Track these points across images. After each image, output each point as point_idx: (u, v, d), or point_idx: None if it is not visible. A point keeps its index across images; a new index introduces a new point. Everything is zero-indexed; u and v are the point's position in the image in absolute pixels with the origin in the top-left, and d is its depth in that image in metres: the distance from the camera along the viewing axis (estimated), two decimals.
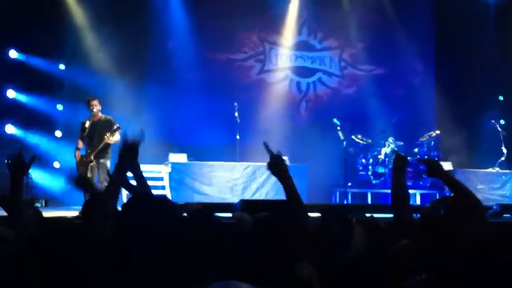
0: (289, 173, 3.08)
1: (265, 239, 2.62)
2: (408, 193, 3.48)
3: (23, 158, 3.14)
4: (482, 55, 12.79)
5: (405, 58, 12.75)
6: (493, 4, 12.95)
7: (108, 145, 8.27)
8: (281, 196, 3.23)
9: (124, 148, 3.04)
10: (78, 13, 10.79)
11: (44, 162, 9.67)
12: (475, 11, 12.70)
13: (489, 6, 12.96)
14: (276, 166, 3.05)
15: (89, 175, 8.11)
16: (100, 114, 8.45)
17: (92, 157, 8.25)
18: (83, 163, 8.28)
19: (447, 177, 3.26)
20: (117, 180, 3.09)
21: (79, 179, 4.35)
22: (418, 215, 3.21)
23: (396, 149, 10.42)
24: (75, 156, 8.44)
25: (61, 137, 10.66)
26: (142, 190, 3.73)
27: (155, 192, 8.53)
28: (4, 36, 10.30)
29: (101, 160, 8.23)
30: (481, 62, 12.80)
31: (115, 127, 8.23)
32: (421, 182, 10.64)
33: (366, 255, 2.90)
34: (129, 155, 3.04)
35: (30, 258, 2.11)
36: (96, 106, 8.42)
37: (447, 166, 10.90)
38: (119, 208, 2.38)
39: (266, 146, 3.08)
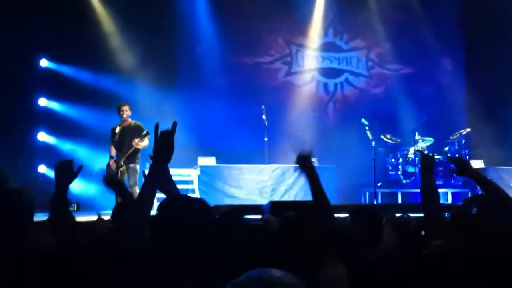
0: (316, 172, 3.09)
1: (291, 238, 2.63)
2: (438, 193, 3.47)
3: (72, 166, 3.12)
4: None
5: (433, 56, 12.62)
6: None
7: (137, 150, 8.39)
8: (310, 197, 3.25)
9: (159, 141, 2.76)
10: (106, 20, 10.98)
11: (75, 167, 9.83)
12: (505, 5, 12.47)
13: None
14: (304, 163, 3.09)
15: None
16: (129, 119, 8.59)
17: (121, 162, 8.38)
18: (113, 168, 8.42)
19: (477, 175, 3.25)
20: (153, 181, 2.89)
21: (112, 179, 4.37)
22: (449, 214, 3.20)
23: (421, 148, 10.30)
24: (109, 164, 8.54)
25: (92, 143, 10.83)
26: (173, 192, 3.75)
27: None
28: (34, 44, 10.54)
29: (131, 165, 8.35)
30: (511, 59, 12.57)
31: (144, 132, 8.34)
32: (452, 181, 10.50)
33: (396, 254, 2.88)
34: (165, 147, 2.77)
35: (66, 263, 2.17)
36: (127, 112, 8.55)
37: (478, 164, 10.75)
38: (154, 211, 2.41)
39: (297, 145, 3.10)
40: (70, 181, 3.12)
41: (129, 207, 3.20)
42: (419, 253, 2.80)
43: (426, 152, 3.61)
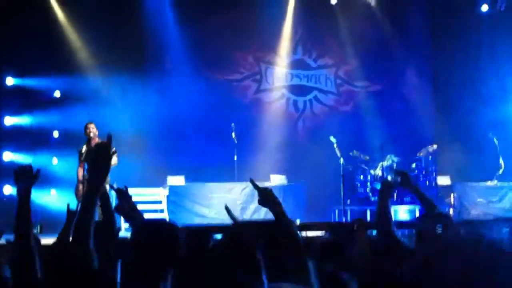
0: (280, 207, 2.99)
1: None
2: (391, 219, 3.47)
3: (32, 171, 2.94)
4: (480, 68, 12.85)
5: (402, 73, 12.81)
6: (486, 15, 13.04)
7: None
8: None
9: (95, 151, 2.71)
10: (72, 35, 10.83)
11: (39, 187, 9.64)
12: (469, 23, 12.78)
13: (482, 17, 13.04)
14: (268, 201, 2.97)
15: None
16: (97, 138, 8.45)
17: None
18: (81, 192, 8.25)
19: (415, 190, 3.52)
20: (91, 197, 2.64)
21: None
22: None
23: (385, 166, 10.44)
24: (77, 188, 8.35)
25: (57, 164, 10.63)
26: (137, 220, 3.69)
27: (154, 215, 8.60)
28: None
29: None
30: (479, 75, 12.86)
31: (112, 150, 8.22)
32: None
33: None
34: (100, 160, 2.67)
35: None
36: (93, 130, 8.44)
37: (445, 180, 10.93)
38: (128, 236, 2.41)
39: (253, 183, 3.01)
40: (31, 185, 3.00)
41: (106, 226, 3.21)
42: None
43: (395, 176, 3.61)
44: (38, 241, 3.94)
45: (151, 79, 11.59)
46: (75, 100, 10.67)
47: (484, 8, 12.95)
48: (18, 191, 2.92)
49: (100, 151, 2.65)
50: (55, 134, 10.80)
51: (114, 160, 8.18)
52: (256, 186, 2.94)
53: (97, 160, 2.64)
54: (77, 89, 10.77)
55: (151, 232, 2.38)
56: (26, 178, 2.96)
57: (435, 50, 13.06)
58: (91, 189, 2.60)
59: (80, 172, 8.40)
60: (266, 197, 2.95)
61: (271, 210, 2.94)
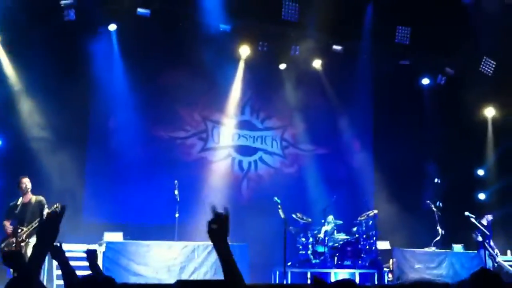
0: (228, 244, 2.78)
1: None
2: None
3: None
4: (419, 138, 13.36)
5: (345, 139, 13.17)
6: (426, 88, 13.69)
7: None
8: (220, 276, 3.04)
9: (45, 221, 2.88)
10: (16, 84, 10.60)
11: None
12: (411, 94, 13.40)
13: (423, 90, 13.68)
14: (218, 227, 2.74)
15: None
16: (30, 194, 8.21)
17: (24, 237, 7.94)
18: (15, 236, 7.92)
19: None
20: (40, 256, 2.86)
21: (11, 255, 4.26)
22: None
23: (335, 230, 10.56)
24: (6, 241, 8.02)
25: None
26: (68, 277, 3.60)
27: (86, 273, 8.26)
28: None
29: (31, 239, 7.91)
30: (418, 145, 13.35)
31: (54, 206, 8.00)
32: (360, 261, 10.67)
33: None
34: (50, 228, 2.84)
35: None
36: (27, 184, 8.22)
37: (385, 245, 11.08)
38: None
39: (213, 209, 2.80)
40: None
41: (24, 282, 3.11)
42: None
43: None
44: None
45: (94, 134, 11.42)
46: (14, 153, 10.36)
47: (425, 81, 13.62)
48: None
49: (51, 221, 2.82)
50: None
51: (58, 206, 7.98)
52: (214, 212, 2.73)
53: (48, 231, 2.81)
54: (19, 141, 10.46)
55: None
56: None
57: (376, 119, 13.56)
58: (38, 253, 2.78)
59: (7, 226, 8.04)
60: (219, 220, 2.73)
61: (217, 240, 2.68)
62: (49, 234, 2.83)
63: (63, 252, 4.03)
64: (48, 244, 2.89)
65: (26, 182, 8.22)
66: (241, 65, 12.46)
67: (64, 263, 4.01)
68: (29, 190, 8.23)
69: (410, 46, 12.34)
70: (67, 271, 4.00)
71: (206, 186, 11.81)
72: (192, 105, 12.25)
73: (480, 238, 10.84)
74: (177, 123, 12.16)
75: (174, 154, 11.94)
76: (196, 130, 12.35)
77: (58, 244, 3.74)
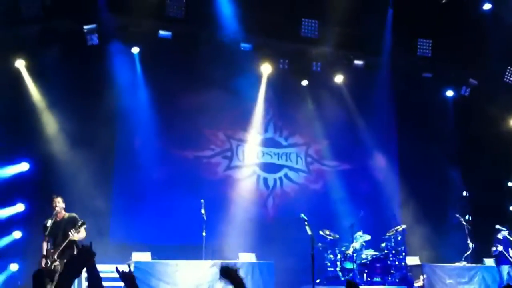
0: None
1: None
2: None
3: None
4: (444, 150, 13.21)
5: (369, 154, 13.10)
6: (450, 100, 13.55)
7: (73, 242, 8.05)
8: None
9: (80, 253, 3.04)
10: (43, 107, 10.81)
11: None
12: (435, 107, 13.28)
13: (447, 102, 13.55)
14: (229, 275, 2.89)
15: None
16: (63, 212, 8.29)
17: (55, 256, 7.98)
18: (46, 258, 7.98)
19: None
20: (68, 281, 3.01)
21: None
22: None
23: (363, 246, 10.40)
24: (40, 264, 8.07)
25: (21, 237, 10.32)
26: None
27: None
28: None
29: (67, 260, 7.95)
30: (444, 157, 13.19)
31: (79, 223, 8.07)
32: (389, 277, 10.51)
33: None
34: (83, 262, 3.10)
35: None
36: (59, 204, 8.28)
37: (414, 260, 10.89)
38: None
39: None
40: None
41: None
42: None
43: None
44: None
45: (120, 155, 11.55)
46: (41, 175, 10.52)
47: (449, 93, 13.50)
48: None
49: (81, 255, 3.13)
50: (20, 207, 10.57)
51: (82, 233, 8.03)
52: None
53: (75, 263, 3.09)
54: (46, 164, 10.63)
55: None
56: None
57: (400, 133, 13.46)
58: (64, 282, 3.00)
59: (45, 246, 8.14)
60: (227, 271, 2.86)
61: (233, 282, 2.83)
62: (77, 268, 2.94)
63: (93, 254, 3.92)
64: (75, 275, 3.02)
65: (58, 201, 8.28)
66: (263, 83, 12.52)
67: (92, 266, 3.90)
68: (62, 209, 8.30)
69: (432, 58, 12.27)
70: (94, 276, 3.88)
71: (232, 204, 11.82)
72: (216, 125, 12.33)
73: (500, 248, 10.53)
74: (202, 143, 12.24)
75: (200, 173, 12.00)
76: (221, 149, 12.41)
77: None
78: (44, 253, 8.07)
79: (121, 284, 9.03)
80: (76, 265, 3.04)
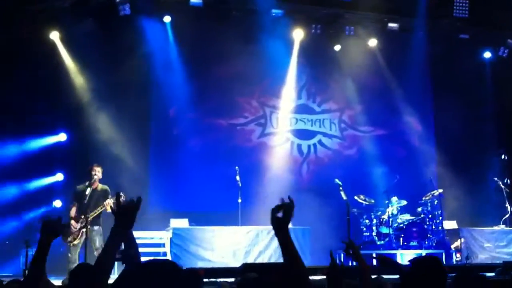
0: (289, 233, 2.87)
1: None
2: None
3: (59, 223, 3.11)
4: (481, 113, 12.96)
5: (404, 119, 12.91)
6: (488, 62, 13.22)
7: (101, 213, 8.23)
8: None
9: (120, 213, 2.88)
10: (80, 81, 10.97)
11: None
12: (471, 70, 12.96)
13: (484, 65, 13.22)
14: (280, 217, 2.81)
15: (76, 241, 8.02)
16: (97, 182, 8.42)
17: (82, 224, 8.14)
18: (77, 221, 8.14)
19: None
20: (113, 248, 2.96)
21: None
22: None
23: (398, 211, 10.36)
24: (68, 225, 8.19)
25: (61, 206, 10.60)
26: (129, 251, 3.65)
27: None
28: None
29: (95, 227, 8.14)
30: (481, 120, 12.95)
31: (120, 194, 8.18)
32: (426, 242, 10.48)
33: None
34: (125, 220, 2.87)
35: None
36: (99, 173, 8.42)
37: (451, 224, 10.82)
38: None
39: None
40: (54, 238, 3.11)
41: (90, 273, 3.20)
42: None
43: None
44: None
45: (156, 125, 11.71)
46: (82, 145, 10.74)
47: (487, 55, 13.15)
48: (41, 240, 3.05)
49: (129, 210, 2.89)
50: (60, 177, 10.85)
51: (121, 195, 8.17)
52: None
53: (123, 216, 2.87)
54: (84, 135, 10.83)
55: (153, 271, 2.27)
56: (52, 231, 3.07)
57: (436, 97, 13.21)
58: (115, 236, 2.83)
59: (74, 210, 8.28)
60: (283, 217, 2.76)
61: (281, 235, 2.74)
62: (126, 221, 2.85)
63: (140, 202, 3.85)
64: (127, 228, 2.94)
65: (98, 170, 8.39)
66: (295, 49, 12.39)
67: (130, 238, 3.91)
68: (99, 179, 8.42)
69: (469, 19, 11.92)
70: (132, 247, 3.89)
71: (266, 171, 11.89)
72: (249, 92, 12.33)
73: None
74: (236, 111, 12.28)
75: (234, 141, 12.07)
76: (255, 116, 12.43)
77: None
78: (72, 215, 8.22)
79: (159, 250, 9.25)
80: (126, 220, 2.95)
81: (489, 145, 12.86)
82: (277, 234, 2.73)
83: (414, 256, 9.68)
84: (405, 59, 12.79)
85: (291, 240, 2.78)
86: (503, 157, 12.49)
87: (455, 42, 12.67)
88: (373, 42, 12.63)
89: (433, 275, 2.98)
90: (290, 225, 8.03)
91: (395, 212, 10.78)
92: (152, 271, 2.17)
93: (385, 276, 5.37)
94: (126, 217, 2.86)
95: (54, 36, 10.77)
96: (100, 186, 8.42)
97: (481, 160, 12.58)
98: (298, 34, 12.21)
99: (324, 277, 6.58)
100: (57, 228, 3.10)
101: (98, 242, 8.01)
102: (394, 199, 10.83)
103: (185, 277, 2.53)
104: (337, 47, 12.61)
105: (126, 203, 2.90)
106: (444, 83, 12.96)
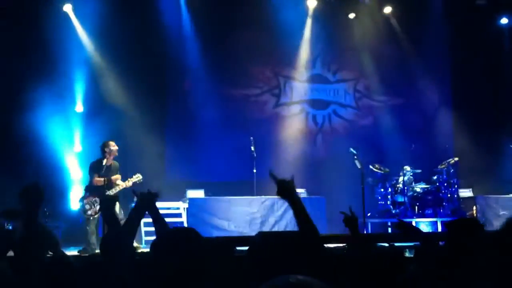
0: (299, 197, 2.94)
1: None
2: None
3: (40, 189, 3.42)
4: (499, 81, 12.79)
5: (421, 87, 12.76)
6: (506, 28, 12.99)
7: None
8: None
9: (142, 200, 3.36)
10: (95, 56, 11.00)
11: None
12: (489, 37, 12.75)
13: (502, 31, 13.00)
14: (284, 190, 2.90)
15: (97, 215, 8.20)
16: (111, 158, 8.54)
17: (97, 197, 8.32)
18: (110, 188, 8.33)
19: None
20: (135, 221, 3.44)
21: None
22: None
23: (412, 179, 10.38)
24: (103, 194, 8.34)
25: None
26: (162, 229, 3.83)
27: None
28: None
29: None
30: (498, 88, 12.79)
31: (135, 176, 8.34)
32: (441, 210, 10.50)
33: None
34: (146, 206, 3.37)
35: None
36: (114, 148, 8.53)
37: (467, 193, 10.80)
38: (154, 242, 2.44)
39: (272, 175, 2.93)
40: (40, 205, 3.34)
41: (118, 240, 3.36)
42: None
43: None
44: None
45: (171, 97, 11.75)
46: (98, 118, 10.80)
47: (504, 21, 12.91)
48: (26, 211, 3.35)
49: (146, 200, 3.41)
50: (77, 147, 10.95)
51: (130, 183, 8.29)
52: (274, 178, 2.88)
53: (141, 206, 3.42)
54: (101, 108, 10.87)
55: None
56: (35, 198, 3.37)
57: (453, 64, 13.02)
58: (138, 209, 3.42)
59: (100, 180, 8.41)
60: (284, 187, 2.88)
61: (290, 201, 2.85)
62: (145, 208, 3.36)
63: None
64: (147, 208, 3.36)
65: (113, 146, 8.51)
66: (309, 18, 12.27)
67: (156, 211, 4.07)
68: (113, 154, 8.51)
69: None
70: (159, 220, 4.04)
71: (281, 141, 11.91)
72: (263, 62, 12.26)
73: None
74: (250, 81, 12.25)
75: (248, 111, 12.07)
76: (269, 86, 12.40)
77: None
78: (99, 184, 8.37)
79: (176, 219, 9.38)
80: (140, 211, 3.37)
81: (507, 113, 12.71)
82: (287, 200, 2.82)
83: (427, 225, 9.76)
84: (420, 27, 12.61)
85: (302, 204, 2.85)
86: None
87: (472, 8, 12.43)
88: (388, 10, 12.45)
89: (474, 236, 2.97)
90: (304, 195, 8.12)
91: (408, 181, 10.77)
92: (179, 237, 2.37)
93: (397, 244, 5.40)
94: (145, 202, 3.37)
95: (67, 8, 10.77)
96: (114, 162, 8.55)
97: (499, 129, 12.47)
98: (311, 2, 12.08)
99: (341, 245, 6.64)
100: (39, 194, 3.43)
101: (120, 214, 8.16)
102: (407, 168, 10.80)
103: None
104: (352, 15, 12.45)
105: (145, 195, 3.30)
106: (462, 51, 12.75)
